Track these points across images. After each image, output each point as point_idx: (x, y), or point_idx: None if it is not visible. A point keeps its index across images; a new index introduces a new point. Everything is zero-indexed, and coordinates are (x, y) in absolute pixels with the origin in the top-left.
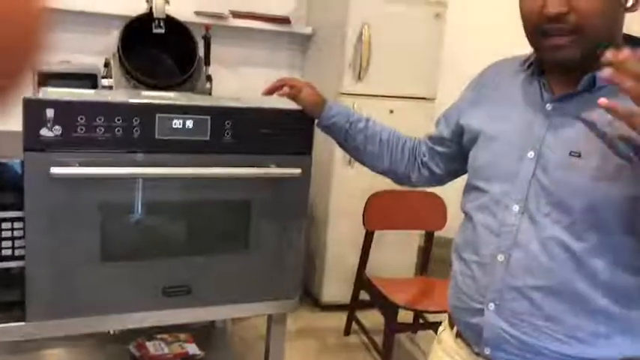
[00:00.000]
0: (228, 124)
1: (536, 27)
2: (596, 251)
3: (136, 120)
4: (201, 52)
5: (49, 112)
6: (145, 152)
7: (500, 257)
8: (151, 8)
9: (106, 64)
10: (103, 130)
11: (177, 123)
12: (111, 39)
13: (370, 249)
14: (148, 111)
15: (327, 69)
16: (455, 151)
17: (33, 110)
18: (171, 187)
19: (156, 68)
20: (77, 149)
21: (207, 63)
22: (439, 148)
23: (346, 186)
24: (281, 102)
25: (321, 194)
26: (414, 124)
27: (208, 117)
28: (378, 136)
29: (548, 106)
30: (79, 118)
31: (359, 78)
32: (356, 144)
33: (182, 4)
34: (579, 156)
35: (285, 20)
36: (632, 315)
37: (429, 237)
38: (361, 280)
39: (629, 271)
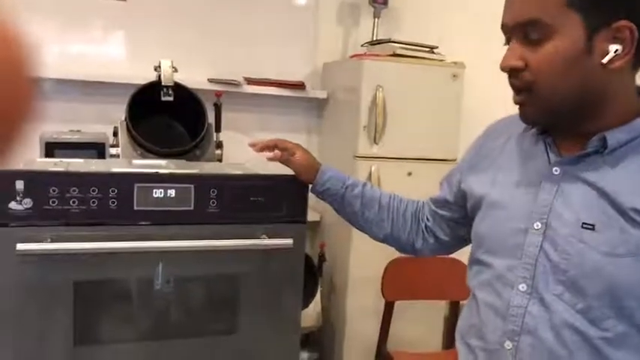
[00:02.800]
0: (213, 192)
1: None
2: (620, 343)
3: (112, 191)
4: (212, 118)
5: (19, 184)
6: (122, 225)
7: (508, 344)
8: (159, 76)
9: (115, 133)
10: (77, 202)
11: (157, 193)
12: (122, 107)
13: (391, 320)
14: (126, 181)
15: (343, 132)
16: (460, 216)
17: (1, 182)
18: (151, 262)
19: (167, 136)
20: (48, 223)
21: (218, 129)
22: (443, 212)
23: (367, 251)
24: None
25: (340, 261)
26: (434, 186)
27: (192, 186)
28: (376, 200)
29: (556, 170)
30: (51, 190)
31: (375, 141)
32: (354, 210)
33: (195, 71)
34: (593, 228)
35: (300, 85)
36: None
37: (453, 307)
38: (382, 356)
39: None
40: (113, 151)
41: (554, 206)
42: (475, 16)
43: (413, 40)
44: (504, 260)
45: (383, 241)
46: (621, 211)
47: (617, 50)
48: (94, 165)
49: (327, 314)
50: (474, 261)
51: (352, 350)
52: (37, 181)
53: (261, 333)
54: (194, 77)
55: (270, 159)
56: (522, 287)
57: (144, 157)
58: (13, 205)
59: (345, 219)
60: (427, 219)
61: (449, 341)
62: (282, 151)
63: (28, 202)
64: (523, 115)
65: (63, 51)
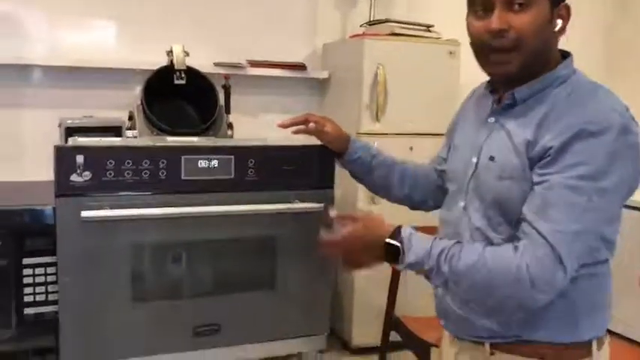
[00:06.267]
0: (251, 162)
1: (483, 44)
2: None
3: (162, 162)
4: (221, 100)
5: (79, 159)
6: (172, 193)
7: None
8: (171, 61)
9: (130, 117)
10: (131, 173)
11: (202, 163)
12: (132, 93)
13: (398, 288)
14: (174, 153)
15: (345, 111)
16: None
17: (64, 157)
18: (198, 226)
19: (178, 118)
20: (106, 193)
21: (228, 111)
22: (443, 168)
23: None
24: (301, 140)
25: None
26: None
27: (232, 156)
28: (395, 166)
29: (490, 119)
30: (107, 163)
31: (377, 118)
32: (378, 175)
33: (201, 56)
34: (493, 160)
35: (301, 66)
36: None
37: None
38: (391, 321)
39: None
40: (129, 133)
41: (483, 146)
42: None
43: (408, 19)
44: (455, 185)
45: (398, 201)
46: (514, 145)
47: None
48: (135, 141)
49: (335, 286)
50: (444, 190)
51: (361, 317)
52: (95, 155)
53: (297, 288)
54: (199, 61)
55: (303, 131)
56: (461, 204)
57: None
58: (74, 177)
59: (367, 184)
60: (435, 178)
61: None
62: (314, 123)
63: (87, 175)
64: (506, 71)
65: (66, 40)
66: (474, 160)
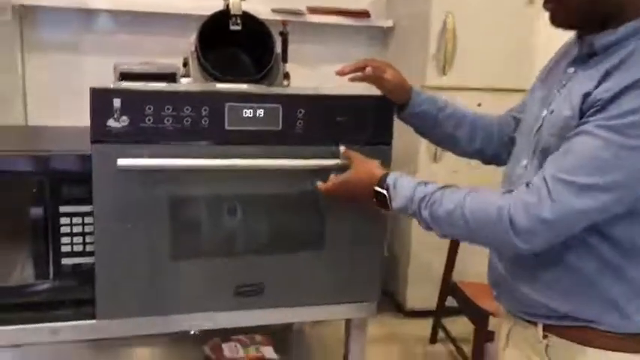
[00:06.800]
0: (300, 112)
1: None
2: None
3: (205, 110)
4: (278, 48)
5: (116, 102)
6: (214, 144)
7: None
8: (227, 5)
9: (185, 64)
10: (171, 120)
11: (247, 112)
12: (188, 40)
13: (457, 252)
14: (217, 100)
15: (410, 62)
16: None
17: (100, 100)
18: (242, 180)
19: (233, 66)
20: (145, 140)
21: (285, 60)
22: (521, 117)
23: None
24: (358, 89)
25: None
26: None
27: (279, 105)
28: (466, 119)
29: (570, 70)
30: (146, 108)
31: (443, 71)
32: (445, 130)
33: (259, 1)
34: (552, 113)
35: (364, 14)
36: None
37: None
38: (448, 286)
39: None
40: (184, 81)
41: (555, 98)
42: None
43: None
44: (522, 138)
45: (470, 155)
46: (571, 98)
47: None
48: (178, 86)
49: (391, 247)
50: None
51: (417, 280)
52: (133, 99)
53: (347, 250)
54: (256, 7)
55: (360, 78)
56: (524, 162)
57: None
58: (111, 122)
59: (431, 138)
60: (514, 127)
61: None
62: (373, 69)
63: (125, 120)
64: (552, 20)
65: None
66: (544, 113)
